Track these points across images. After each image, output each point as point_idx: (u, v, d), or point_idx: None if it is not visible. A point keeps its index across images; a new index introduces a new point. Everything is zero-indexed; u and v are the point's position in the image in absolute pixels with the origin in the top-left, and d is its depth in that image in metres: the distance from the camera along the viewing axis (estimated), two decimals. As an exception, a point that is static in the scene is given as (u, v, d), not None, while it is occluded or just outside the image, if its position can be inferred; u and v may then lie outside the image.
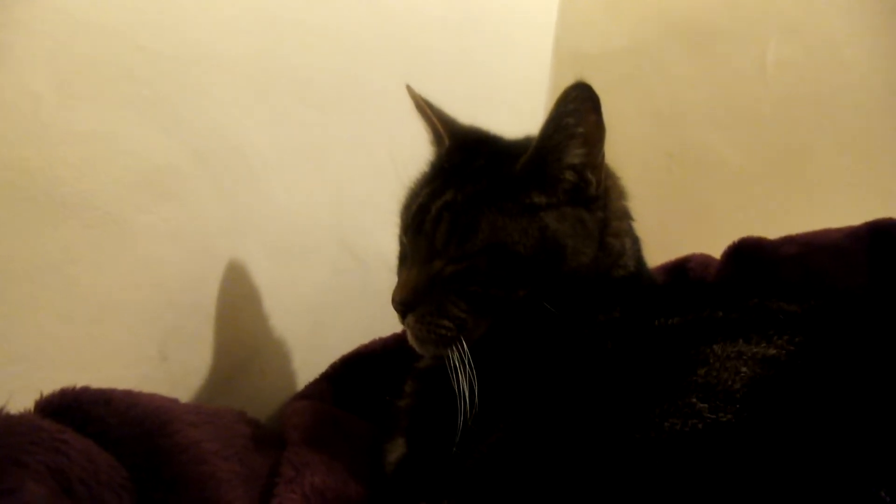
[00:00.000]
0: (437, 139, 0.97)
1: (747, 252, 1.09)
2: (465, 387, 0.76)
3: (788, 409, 0.54)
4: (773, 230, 1.11)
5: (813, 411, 0.53)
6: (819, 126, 1.37)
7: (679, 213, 1.53)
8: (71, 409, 0.72)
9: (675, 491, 0.51)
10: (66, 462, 0.63)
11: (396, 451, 0.88)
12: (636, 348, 0.67)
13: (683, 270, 1.19)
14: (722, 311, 0.68)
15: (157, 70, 0.91)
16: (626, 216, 0.92)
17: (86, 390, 0.75)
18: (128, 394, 0.78)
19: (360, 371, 1.13)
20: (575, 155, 0.83)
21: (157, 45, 0.90)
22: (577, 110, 0.79)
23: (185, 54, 0.94)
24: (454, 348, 0.80)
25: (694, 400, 0.56)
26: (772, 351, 0.60)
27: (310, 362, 1.16)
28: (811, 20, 1.39)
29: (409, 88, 0.96)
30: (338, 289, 1.22)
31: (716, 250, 1.17)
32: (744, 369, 0.58)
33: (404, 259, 0.90)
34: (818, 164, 1.37)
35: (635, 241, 0.94)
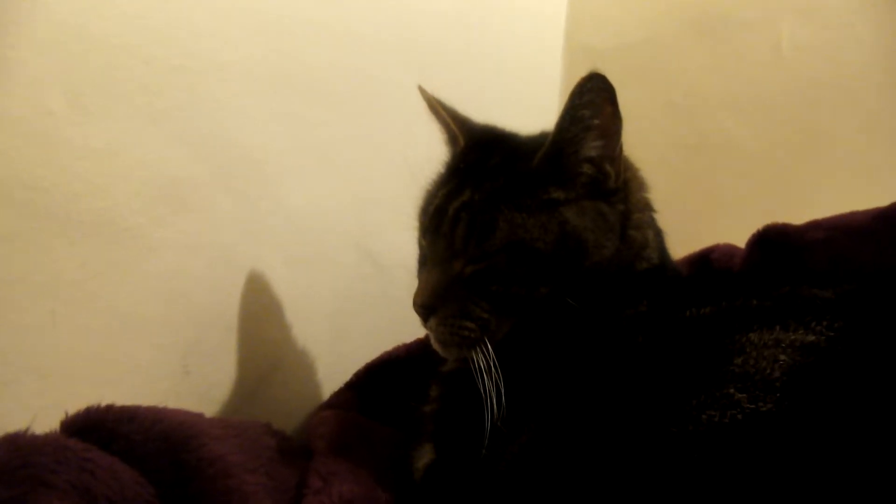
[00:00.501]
0: (452, 139, 0.96)
1: (773, 239, 1.06)
2: (492, 388, 0.74)
3: (832, 398, 0.52)
4: (796, 216, 1.09)
5: (858, 398, 0.52)
6: (839, 107, 1.35)
7: (700, 203, 1.50)
8: (96, 426, 0.72)
9: (717, 485, 0.49)
10: (92, 480, 0.63)
11: (424, 457, 0.86)
12: (668, 340, 0.66)
13: (707, 261, 1.17)
14: (755, 299, 0.66)
15: (169, 81, 0.91)
16: (647, 208, 0.90)
17: (111, 408, 0.75)
18: (152, 410, 0.77)
19: (384, 378, 1.12)
20: (592, 147, 0.81)
21: (167, 56, 0.90)
22: (593, 102, 0.78)
23: (195, 64, 0.93)
24: (478, 350, 0.78)
25: (732, 390, 0.54)
26: (811, 337, 0.58)
27: (333, 371, 1.15)
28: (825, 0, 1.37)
29: (421, 89, 0.95)
30: (358, 294, 1.21)
31: (739, 240, 1.15)
32: (782, 357, 0.56)
33: (424, 262, 0.89)
34: (840, 146, 1.34)
35: (658, 232, 0.92)
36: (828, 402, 0.52)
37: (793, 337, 0.59)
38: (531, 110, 1.55)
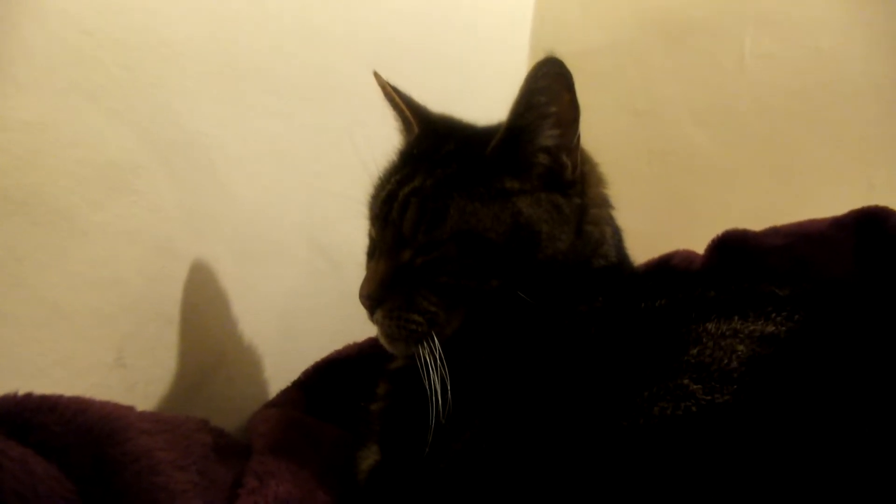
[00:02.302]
0: (407, 126, 0.93)
1: (732, 244, 1.06)
2: (437, 385, 0.71)
3: (791, 390, 0.50)
4: (756, 225, 1.09)
5: (818, 391, 0.49)
6: (799, 117, 1.36)
7: (660, 210, 1.50)
8: (11, 416, 0.67)
9: (669, 482, 0.46)
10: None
11: (369, 458, 0.83)
12: (620, 332, 0.63)
13: (666, 267, 1.15)
14: (713, 290, 0.64)
15: (108, 55, 0.85)
16: (605, 204, 0.88)
17: (28, 397, 0.70)
18: (76, 400, 0.72)
19: (334, 377, 1.08)
20: (548, 136, 0.79)
21: (107, 28, 0.85)
22: (549, 87, 0.76)
23: (136, 39, 0.88)
24: (425, 345, 0.75)
25: (686, 381, 0.52)
26: (770, 328, 0.56)
27: (281, 369, 1.11)
28: (788, 10, 1.39)
29: (376, 75, 0.93)
30: (309, 291, 1.17)
31: (699, 248, 1.14)
32: (740, 347, 0.54)
33: (373, 252, 0.85)
34: (800, 156, 1.36)
35: (616, 230, 0.90)
36: (787, 395, 0.50)
37: (752, 327, 0.57)
38: (497, 114, 1.52)
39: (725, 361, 0.54)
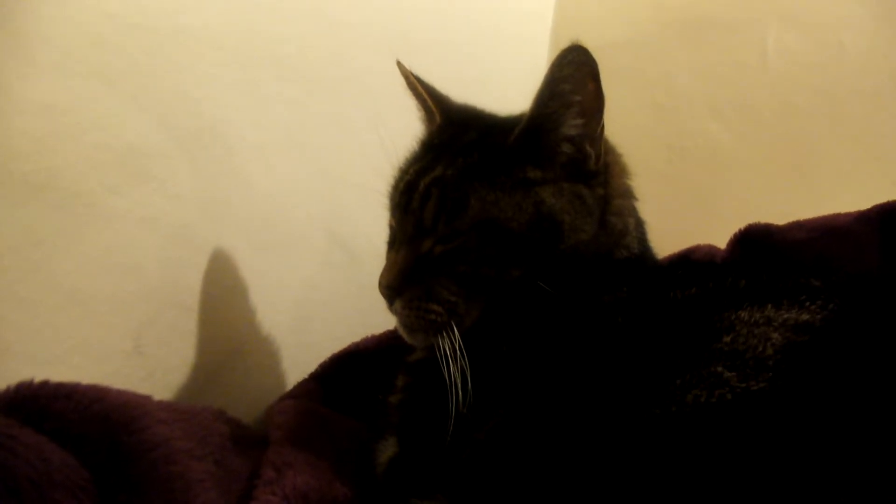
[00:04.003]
0: (428, 116, 0.92)
1: (755, 238, 1.05)
2: (458, 376, 0.70)
3: (830, 377, 0.49)
4: (776, 220, 1.07)
5: (857, 378, 0.48)
6: (821, 114, 1.35)
7: (680, 206, 1.49)
8: (27, 403, 0.66)
9: (704, 469, 0.45)
10: (13, 459, 0.57)
11: (388, 450, 0.82)
12: (650, 320, 0.62)
13: (688, 261, 1.14)
14: (744, 279, 0.63)
15: (128, 40, 0.85)
16: (628, 195, 0.87)
17: (45, 384, 0.69)
18: (93, 388, 0.71)
19: (351, 370, 1.08)
20: (572, 125, 0.77)
21: (125, 12, 0.84)
22: (573, 76, 0.74)
23: (154, 24, 0.88)
24: (444, 335, 0.74)
25: (720, 369, 0.51)
26: (805, 316, 0.55)
27: (298, 360, 1.11)
28: (810, 6, 1.37)
29: (399, 64, 0.92)
30: (327, 281, 1.16)
31: (719, 244, 1.13)
32: (775, 335, 0.53)
33: (393, 242, 0.84)
34: (821, 152, 1.35)
35: (640, 222, 0.88)
36: (826, 383, 0.48)
37: (786, 315, 0.55)
38: (518, 109, 1.50)
39: (760, 349, 0.53)
